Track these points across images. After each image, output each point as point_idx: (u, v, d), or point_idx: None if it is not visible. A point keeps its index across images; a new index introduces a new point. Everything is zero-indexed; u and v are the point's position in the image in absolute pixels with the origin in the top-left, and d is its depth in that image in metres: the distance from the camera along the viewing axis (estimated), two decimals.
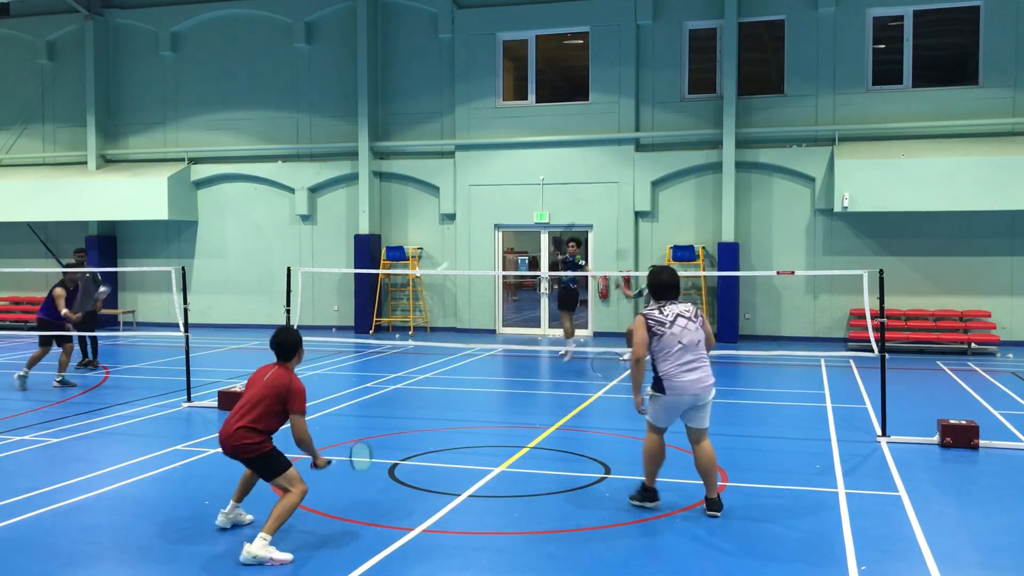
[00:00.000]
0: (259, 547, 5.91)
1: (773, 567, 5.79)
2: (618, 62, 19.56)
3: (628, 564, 5.86)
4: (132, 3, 22.63)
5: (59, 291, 13.20)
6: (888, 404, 9.71)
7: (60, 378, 13.04)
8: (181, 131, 22.52)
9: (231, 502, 6.68)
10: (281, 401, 6.34)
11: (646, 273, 7.12)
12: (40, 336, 13.25)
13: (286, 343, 6.52)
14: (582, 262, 15.78)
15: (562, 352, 15.75)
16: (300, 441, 6.36)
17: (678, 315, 6.81)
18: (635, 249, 19.60)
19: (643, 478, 7.13)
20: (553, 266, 20.08)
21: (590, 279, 18.54)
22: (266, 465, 6.35)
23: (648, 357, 6.88)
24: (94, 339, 14.99)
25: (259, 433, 6.28)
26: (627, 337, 6.94)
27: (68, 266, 14.19)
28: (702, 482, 6.96)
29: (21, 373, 12.94)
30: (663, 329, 6.76)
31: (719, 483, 7.71)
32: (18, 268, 20.74)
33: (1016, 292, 17.87)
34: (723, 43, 18.95)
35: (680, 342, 6.73)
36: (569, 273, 15.29)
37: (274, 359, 6.51)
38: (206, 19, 22.16)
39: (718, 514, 6.80)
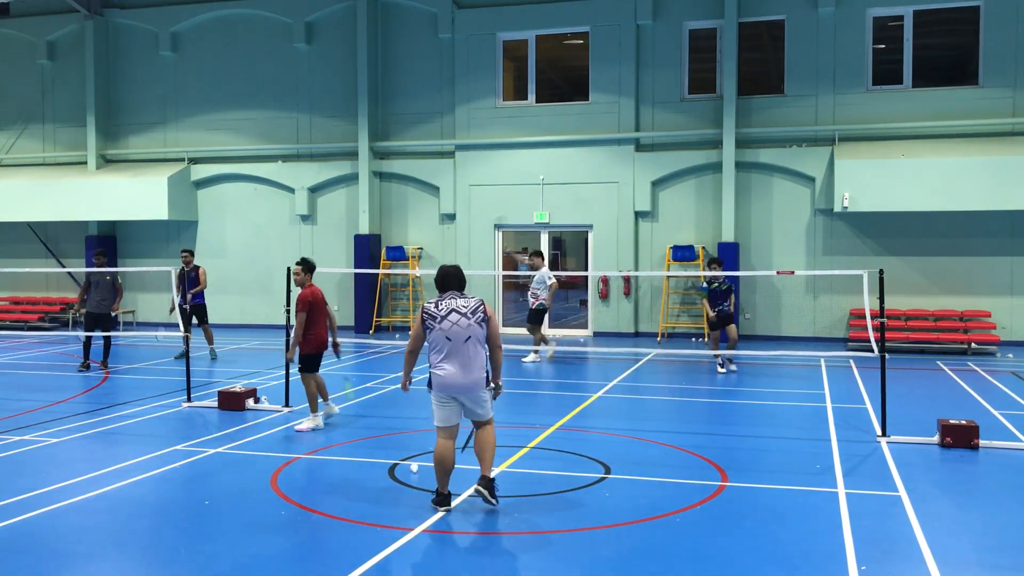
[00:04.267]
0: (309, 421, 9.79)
1: (773, 567, 5.78)
2: (618, 62, 19.56)
3: (628, 564, 5.86)
4: (132, 3, 22.63)
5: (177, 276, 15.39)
6: (888, 404, 9.70)
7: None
8: (181, 131, 22.52)
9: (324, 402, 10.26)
10: None
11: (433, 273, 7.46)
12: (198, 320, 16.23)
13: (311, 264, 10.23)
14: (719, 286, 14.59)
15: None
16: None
17: (453, 310, 6.90)
18: (635, 249, 19.61)
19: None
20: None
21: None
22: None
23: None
24: (108, 340, 15.00)
25: None
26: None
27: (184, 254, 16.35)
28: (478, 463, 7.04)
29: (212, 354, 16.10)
30: (433, 323, 6.87)
31: (720, 482, 7.73)
32: (18, 268, 20.75)
33: (1016, 292, 17.88)
34: (723, 43, 18.95)
35: (447, 338, 6.81)
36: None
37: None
38: (206, 19, 22.16)
39: (489, 495, 6.85)
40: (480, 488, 6.87)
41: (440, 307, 6.94)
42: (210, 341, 16.34)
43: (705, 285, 14.63)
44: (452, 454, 6.90)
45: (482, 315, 6.92)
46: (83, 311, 15.19)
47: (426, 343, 7.00)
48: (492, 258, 20.42)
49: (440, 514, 6.83)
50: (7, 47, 23.49)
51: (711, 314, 14.49)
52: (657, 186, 19.57)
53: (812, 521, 6.74)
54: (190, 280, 16.10)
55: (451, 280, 7.08)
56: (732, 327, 14.51)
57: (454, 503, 7.08)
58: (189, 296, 15.97)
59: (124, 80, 22.84)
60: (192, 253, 16.54)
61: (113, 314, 15.02)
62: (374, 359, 16.36)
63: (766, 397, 12.46)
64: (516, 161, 20.19)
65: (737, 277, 18.30)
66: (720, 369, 14.40)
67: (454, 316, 6.86)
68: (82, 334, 15.06)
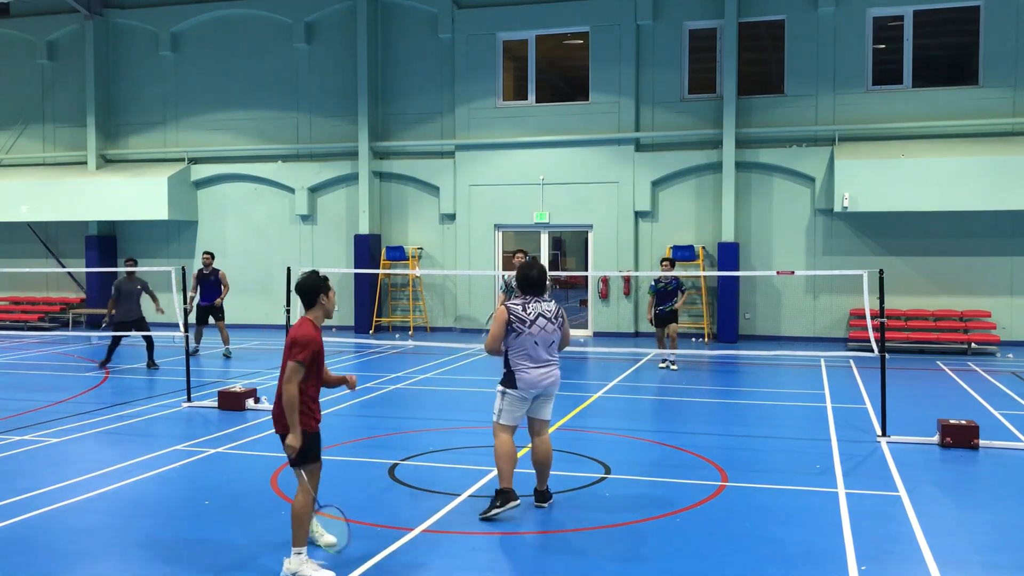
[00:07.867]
0: (296, 562, 5.41)
1: (773, 567, 5.78)
2: (618, 62, 19.56)
3: (628, 564, 5.86)
4: (132, 3, 22.63)
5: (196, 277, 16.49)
6: (888, 404, 9.70)
7: (226, 350, 16.41)
8: (181, 131, 22.52)
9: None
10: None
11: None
12: (197, 317, 16.45)
13: (300, 287, 5.76)
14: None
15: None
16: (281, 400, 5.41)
17: (539, 315, 6.81)
18: (635, 249, 19.60)
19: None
20: None
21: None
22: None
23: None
24: (150, 340, 14.97)
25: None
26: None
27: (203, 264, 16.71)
28: (535, 473, 7.03)
29: (195, 349, 16.40)
30: (523, 327, 6.75)
31: (720, 482, 7.74)
32: (18, 268, 20.74)
33: (1016, 292, 17.88)
34: (723, 43, 18.95)
35: (535, 342, 6.77)
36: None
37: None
38: (206, 19, 22.17)
39: (545, 505, 6.98)
40: (542, 504, 7.00)
41: (528, 311, 6.81)
42: (226, 341, 16.55)
43: (652, 284, 14.90)
44: (515, 448, 6.91)
45: (561, 320, 6.94)
46: (109, 322, 15.23)
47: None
48: (492, 258, 20.43)
49: (440, 514, 6.83)
50: (7, 47, 23.49)
51: (649, 315, 14.83)
52: (657, 186, 19.57)
53: (812, 521, 6.74)
54: (210, 284, 16.44)
55: (537, 285, 6.89)
56: (672, 326, 14.66)
57: (453, 504, 7.08)
58: (196, 298, 16.57)
59: (124, 80, 22.84)
60: (213, 256, 16.89)
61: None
62: (374, 359, 16.36)
63: (766, 397, 12.46)
64: (516, 161, 20.19)
65: (737, 277, 18.34)
66: (661, 365, 14.71)
67: (542, 321, 6.81)
68: (109, 334, 15.00)
